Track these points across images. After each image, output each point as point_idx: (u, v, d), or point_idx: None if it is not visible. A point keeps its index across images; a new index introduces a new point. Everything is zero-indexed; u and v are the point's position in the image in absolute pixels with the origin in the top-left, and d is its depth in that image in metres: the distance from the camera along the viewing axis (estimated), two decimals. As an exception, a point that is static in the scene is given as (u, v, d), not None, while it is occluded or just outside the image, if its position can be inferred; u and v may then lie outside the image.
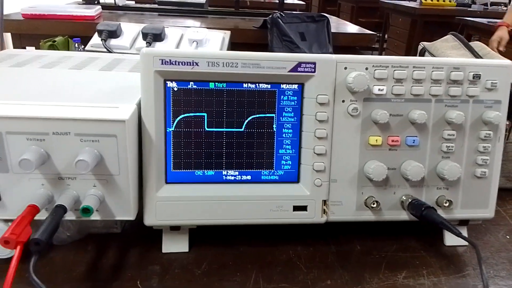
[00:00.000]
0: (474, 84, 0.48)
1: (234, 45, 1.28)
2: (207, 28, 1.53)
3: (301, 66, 0.46)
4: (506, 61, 0.49)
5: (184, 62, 0.44)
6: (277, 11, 2.31)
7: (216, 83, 0.46)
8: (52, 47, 1.78)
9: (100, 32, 1.13)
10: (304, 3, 3.75)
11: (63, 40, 1.82)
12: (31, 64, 0.61)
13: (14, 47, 1.94)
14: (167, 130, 0.46)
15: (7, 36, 2.04)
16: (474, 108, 0.48)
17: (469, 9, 4.50)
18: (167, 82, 0.45)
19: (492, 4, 4.56)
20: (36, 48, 1.96)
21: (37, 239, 0.36)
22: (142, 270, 0.46)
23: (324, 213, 0.49)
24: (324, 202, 0.49)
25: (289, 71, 0.46)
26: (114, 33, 1.14)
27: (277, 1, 2.61)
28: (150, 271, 0.46)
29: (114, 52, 1.09)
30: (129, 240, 0.51)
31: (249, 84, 0.46)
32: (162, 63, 0.43)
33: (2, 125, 0.39)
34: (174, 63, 0.44)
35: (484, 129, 0.49)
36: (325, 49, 2.01)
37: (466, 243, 0.52)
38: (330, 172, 0.48)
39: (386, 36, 5.30)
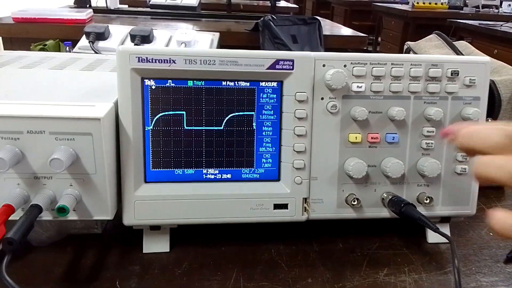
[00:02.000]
0: (453, 80, 0.48)
1: (226, 48, 1.28)
2: (197, 30, 1.54)
3: (279, 64, 0.46)
4: (484, 58, 0.49)
5: (161, 60, 0.44)
6: (269, 14, 2.32)
7: (195, 81, 0.46)
8: (43, 50, 1.77)
9: (87, 34, 1.13)
10: (297, 6, 3.77)
11: (54, 44, 1.81)
12: (12, 64, 0.61)
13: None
14: (146, 129, 0.46)
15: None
16: (453, 105, 0.48)
17: (460, 11, 4.54)
18: (144, 80, 0.45)
19: (484, 6, 4.60)
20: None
21: (10, 238, 0.35)
22: (121, 270, 0.46)
23: (305, 211, 0.49)
24: (305, 200, 0.48)
25: (267, 69, 0.45)
26: (102, 35, 1.13)
27: (270, 5, 2.63)
28: (129, 271, 0.46)
29: (102, 54, 1.08)
30: (110, 240, 0.51)
31: (227, 82, 0.46)
32: (139, 61, 0.43)
33: (-25, 124, 0.39)
34: (150, 60, 0.43)
35: (463, 125, 0.49)
36: (317, 51, 2.02)
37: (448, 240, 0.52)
38: (310, 169, 0.48)
39: (379, 39, 5.33)
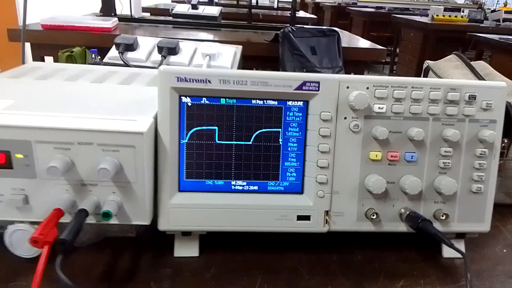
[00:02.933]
0: (470, 104, 0.51)
1: (245, 58, 1.31)
2: (220, 41, 1.58)
3: (306, 85, 0.49)
4: (500, 83, 0.52)
5: (198, 80, 0.47)
6: (288, 25, 2.36)
7: (227, 99, 0.49)
8: (70, 57, 1.84)
9: (117, 45, 1.18)
10: (316, 17, 3.81)
11: (81, 51, 1.88)
12: (55, 77, 0.66)
13: (33, 56, 2.02)
14: (181, 142, 0.50)
15: (26, 46, 2.11)
16: (470, 127, 0.51)
17: (481, 25, 4.52)
18: (181, 97, 0.49)
19: (505, 20, 4.57)
20: (54, 58, 2.03)
21: (63, 240, 0.39)
22: (154, 273, 0.50)
23: (326, 223, 0.52)
24: (327, 212, 0.51)
25: (295, 89, 0.49)
26: (131, 46, 1.18)
27: (289, 15, 2.67)
28: (162, 273, 0.50)
29: (131, 65, 1.14)
30: (142, 244, 0.55)
31: (257, 100, 0.50)
32: (178, 80, 0.47)
33: (32, 134, 0.43)
34: (189, 80, 0.47)
35: (479, 147, 0.52)
36: (335, 62, 2.05)
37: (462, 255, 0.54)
38: (332, 184, 0.51)
39: (397, 50, 5.33)
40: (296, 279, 0.50)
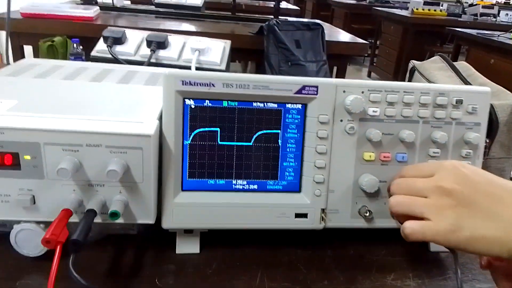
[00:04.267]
0: (457, 108, 0.54)
1: (231, 50, 1.32)
2: (204, 33, 1.58)
3: (305, 89, 0.51)
4: (485, 88, 0.55)
5: (202, 83, 0.49)
6: (272, 16, 2.37)
7: (229, 102, 0.51)
8: (51, 47, 1.81)
9: (105, 39, 1.17)
10: (298, 8, 3.82)
11: (62, 40, 1.85)
12: (53, 75, 0.66)
13: (12, 45, 1.97)
14: (184, 143, 0.51)
15: (4, 34, 2.06)
16: (456, 129, 0.54)
17: (459, 19, 4.62)
18: (185, 100, 0.50)
19: (482, 14, 4.68)
20: (34, 47, 1.99)
21: (76, 240, 0.41)
22: (158, 269, 0.51)
23: (322, 220, 0.54)
24: (323, 210, 0.54)
25: (294, 93, 0.51)
26: (119, 40, 1.18)
27: (272, 5, 2.68)
28: (165, 269, 0.51)
29: (120, 59, 1.13)
30: (144, 241, 0.56)
31: (258, 103, 0.52)
32: (183, 84, 0.49)
33: (41, 136, 0.44)
34: (193, 84, 0.49)
35: (465, 148, 0.55)
36: (319, 56, 2.08)
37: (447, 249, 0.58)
38: (328, 183, 0.54)
39: (378, 42, 5.40)
40: (294, 273, 0.53)
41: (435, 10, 4.66)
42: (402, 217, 0.44)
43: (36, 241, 0.49)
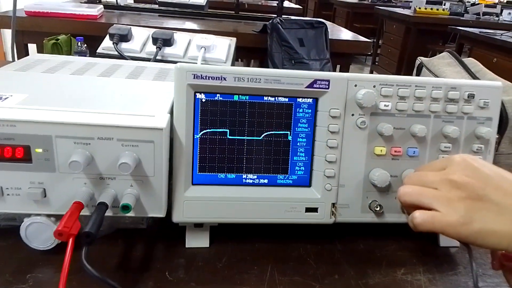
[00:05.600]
0: (469, 102, 0.54)
1: (236, 48, 1.31)
2: (208, 31, 1.57)
3: (317, 83, 0.51)
4: (497, 83, 0.55)
5: (214, 77, 0.49)
6: (275, 15, 2.37)
7: (240, 96, 0.51)
8: (56, 45, 1.81)
9: (111, 36, 1.17)
10: (301, 7, 3.82)
11: (66, 39, 1.85)
12: (61, 70, 0.66)
13: (16, 44, 1.97)
14: (195, 137, 0.51)
15: (8, 33, 2.07)
16: (468, 124, 0.54)
17: (461, 18, 4.60)
18: (196, 94, 0.50)
19: (484, 14, 4.67)
20: (38, 45, 1.99)
21: (89, 232, 0.40)
22: (169, 263, 0.51)
23: (332, 215, 0.54)
24: (333, 204, 0.54)
25: (306, 87, 0.51)
26: (125, 37, 1.18)
27: (275, 4, 2.67)
28: (176, 263, 0.51)
29: (126, 56, 1.13)
30: (153, 235, 0.56)
31: (269, 97, 0.52)
32: (194, 77, 0.48)
33: (53, 129, 0.44)
34: (204, 77, 0.49)
35: (476, 142, 0.55)
36: (323, 55, 2.08)
37: (457, 244, 0.58)
38: (339, 178, 0.53)
39: (380, 42, 5.39)
40: (304, 268, 0.52)
41: (437, 9, 4.65)
42: (411, 208, 0.44)
43: (46, 234, 0.49)
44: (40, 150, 0.45)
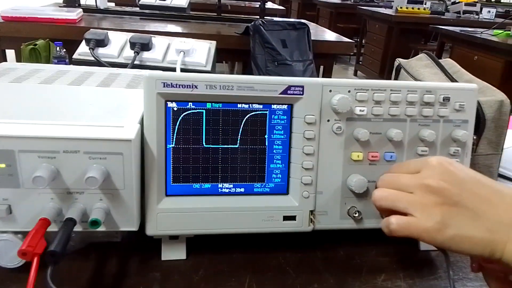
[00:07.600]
0: (444, 105, 0.53)
1: (217, 51, 1.30)
2: (190, 34, 1.55)
3: (291, 89, 0.50)
4: (472, 85, 0.54)
5: (184, 85, 0.47)
6: (258, 17, 2.36)
7: (213, 103, 0.50)
8: (34, 50, 1.78)
9: (88, 41, 1.15)
10: (284, 8, 3.82)
11: (45, 44, 1.81)
12: (30, 79, 0.64)
13: (-7, 50, 1.93)
14: (167, 147, 0.50)
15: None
16: (444, 127, 0.54)
17: (442, 17, 4.67)
18: (167, 102, 0.49)
19: (465, 12, 4.74)
20: (16, 51, 1.95)
21: (53, 251, 0.39)
22: (144, 277, 0.50)
23: (311, 222, 0.53)
24: (311, 212, 0.53)
25: (280, 94, 0.50)
26: (101, 42, 1.15)
27: (257, 6, 2.66)
28: (151, 277, 0.50)
29: (103, 62, 1.11)
30: (128, 248, 0.54)
31: (243, 104, 0.51)
32: (164, 86, 0.47)
33: (15, 144, 0.42)
34: (175, 85, 0.47)
35: (453, 145, 0.54)
36: (306, 56, 2.07)
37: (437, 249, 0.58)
38: (316, 184, 0.53)
39: (363, 41, 5.43)
40: (283, 278, 0.51)
41: (418, 9, 4.70)
42: (385, 212, 0.43)
43: (14, 252, 0.47)
44: (3, 166, 0.43)
